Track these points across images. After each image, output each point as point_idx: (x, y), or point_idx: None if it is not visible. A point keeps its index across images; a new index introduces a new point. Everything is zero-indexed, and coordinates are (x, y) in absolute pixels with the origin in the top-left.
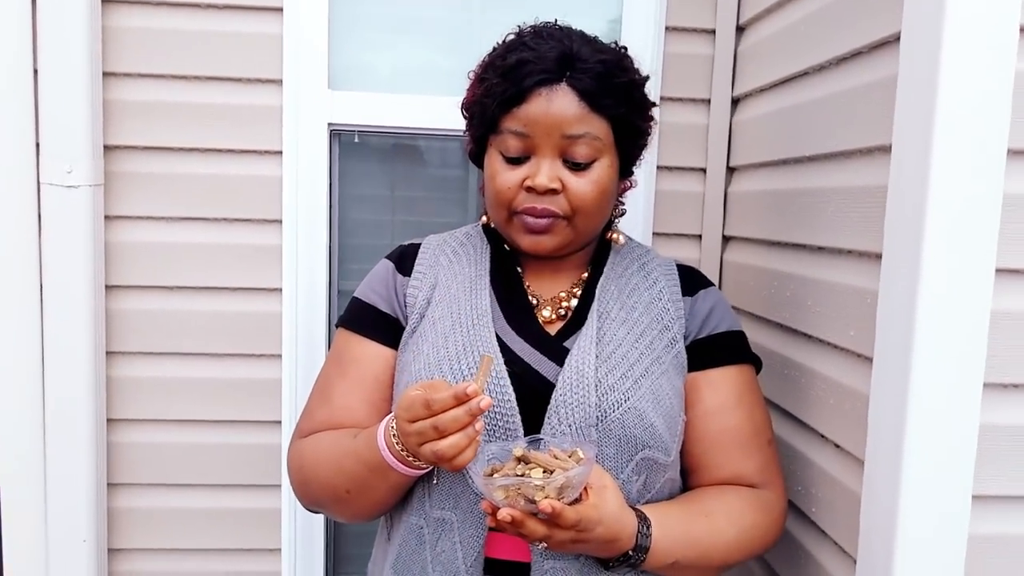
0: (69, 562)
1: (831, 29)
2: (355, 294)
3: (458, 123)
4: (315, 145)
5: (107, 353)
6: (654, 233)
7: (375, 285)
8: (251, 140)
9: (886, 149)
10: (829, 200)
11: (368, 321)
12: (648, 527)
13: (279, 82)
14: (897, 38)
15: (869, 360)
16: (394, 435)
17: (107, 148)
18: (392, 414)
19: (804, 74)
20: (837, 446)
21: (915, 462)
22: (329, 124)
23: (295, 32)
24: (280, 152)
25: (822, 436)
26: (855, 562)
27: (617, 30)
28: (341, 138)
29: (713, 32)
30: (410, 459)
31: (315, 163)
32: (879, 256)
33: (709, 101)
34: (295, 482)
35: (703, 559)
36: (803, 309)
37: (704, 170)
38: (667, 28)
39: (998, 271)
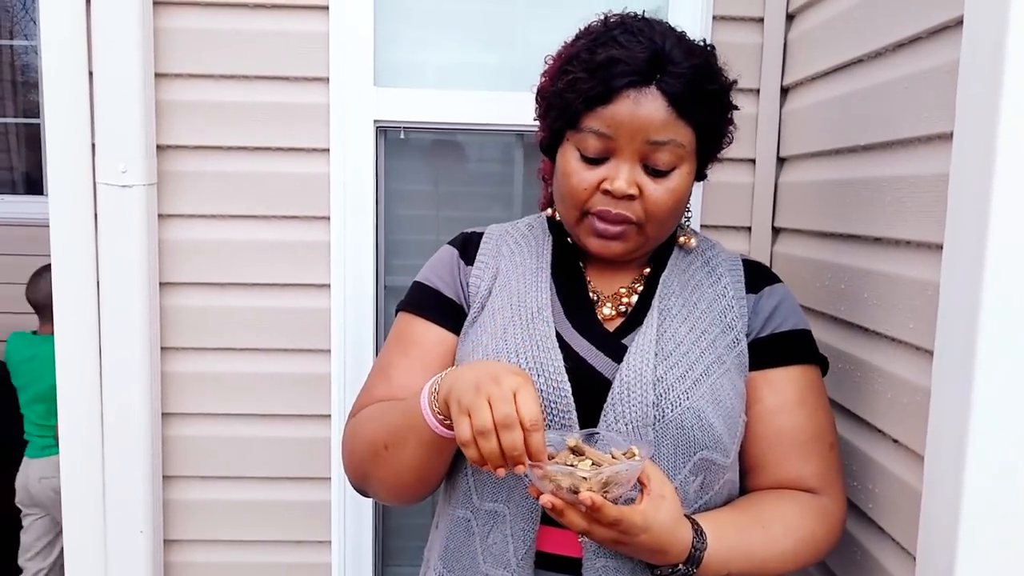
0: (127, 553)
1: (887, 15)
2: (417, 279)
3: (503, 118)
4: (362, 142)
5: (162, 349)
6: (703, 225)
7: (439, 271)
8: (299, 138)
9: (947, 137)
10: (886, 190)
11: (432, 305)
12: (703, 541)
13: (326, 80)
14: (959, 23)
15: (929, 353)
16: (436, 390)
17: (160, 148)
18: (446, 371)
19: (858, 61)
20: (895, 441)
21: (979, 457)
22: (375, 121)
23: (341, 30)
24: (327, 149)
25: (879, 431)
26: (915, 560)
27: (663, 19)
28: (387, 135)
29: (762, 20)
30: (439, 416)
31: (362, 160)
32: (940, 247)
33: (758, 91)
34: (346, 452)
35: (757, 570)
36: (859, 301)
37: (753, 161)
38: (715, 17)
39: None
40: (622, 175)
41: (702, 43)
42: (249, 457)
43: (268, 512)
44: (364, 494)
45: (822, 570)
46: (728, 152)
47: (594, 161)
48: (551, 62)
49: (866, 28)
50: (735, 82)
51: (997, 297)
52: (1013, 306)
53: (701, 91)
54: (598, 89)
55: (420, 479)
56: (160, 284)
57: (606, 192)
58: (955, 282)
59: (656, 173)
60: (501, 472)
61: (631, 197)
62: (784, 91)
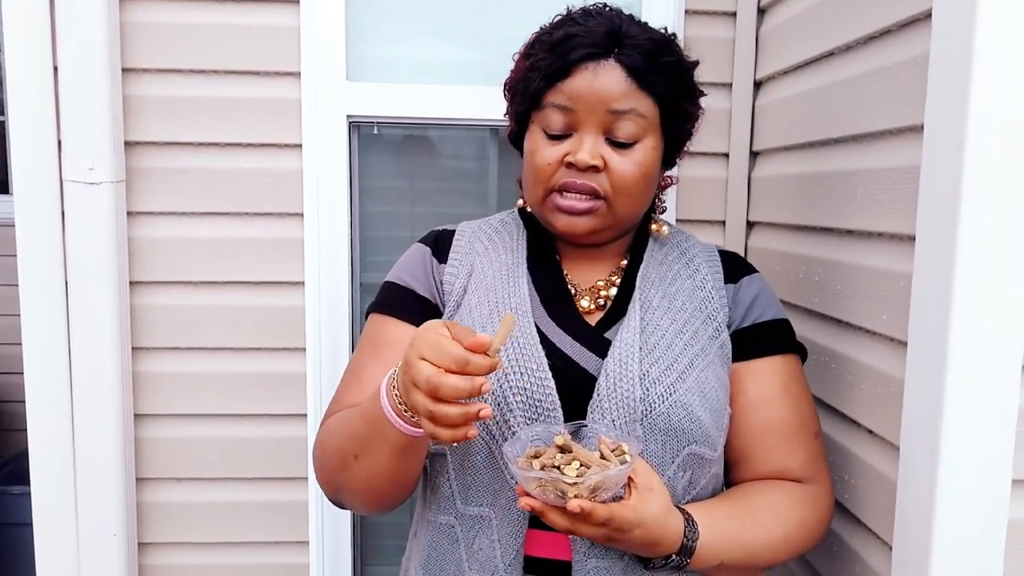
0: (100, 556)
1: (857, 8)
2: (388, 279)
3: (477, 113)
4: (334, 137)
5: (133, 349)
6: (677, 220)
7: (412, 269)
8: (271, 134)
9: (918, 129)
10: (859, 182)
11: (405, 304)
12: (695, 531)
13: (297, 75)
14: (928, 15)
15: (903, 344)
16: (395, 385)
17: (128, 144)
18: (392, 372)
19: (830, 55)
20: (871, 432)
21: (953, 447)
22: (348, 116)
23: (312, 24)
24: (300, 145)
25: (854, 422)
26: (891, 549)
27: (636, 14)
28: (360, 130)
29: (734, 15)
30: (406, 412)
31: (335, 155)
32: (912, 238)
33: (731, 85)
34: (317, 464)
35: (750, 559)
36: (832, 294)
37: (727, 155)
38: (687, 11)
39: None
40: (585, 147)
41: (663, 30)
42: (224, 458)
43: (244, 513)
44: (340, 505)
45: (800, 562)
46: (702, 147)
47: (558, 138)
48: (517, 56)
49: (836, 21)
50: (697, 63)
51: (969, 287)
52: (985, 296)
53: (659, 63)
54: (557, 64)
55: (395, 484)
56: (130, 283)
57: (570, 165)
58: (927, 273)
59: (620, 145)
60: (486, 412)
61: (595, 169)
62: (757, 85)
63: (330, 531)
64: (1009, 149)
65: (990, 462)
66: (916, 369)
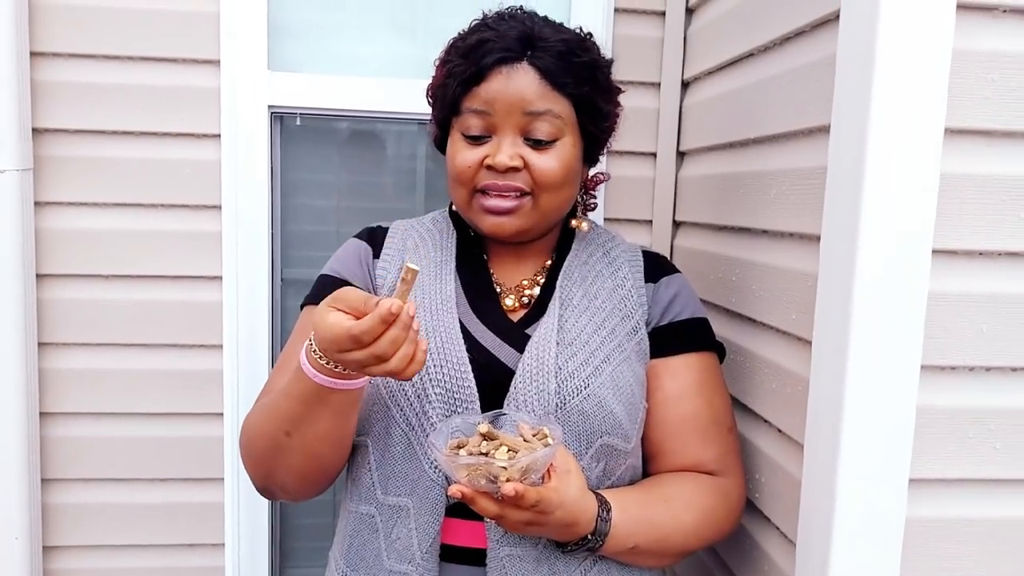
0: (1, 561)
1: (775, 8)
2: (323, 272)
3: (404, 106)
4: (255, 128)
5: (39, 344)
6: (605, 219)
7: (347, 263)
8: (188, 123)
9: (826, 129)
10: (772, 183)
11: None
12: (608, 511)
13: (216, 62)
14: (837, 16)
15: (809, 343)
16: (317, 355)
17: (36, 131)
18: (308, 342)
19: (750, 55)
20: (779, 431)
21: (852, 446)
22: (270, 106)
23: (233, 10)
24: (218, 135)
25: (765, 421)
26: (796, 547)
27: (566, 12)
28: (283, 121)
29: (663, 14)
30: (346, 372)
31: (255, 147)
32: (819, 238)
33: (659, 84)
34: (244, 453)
35: (661, 544)
36: (748, 293)
37: (654, 155)
38: (616, 10)
39: (935, 252)
40: (503, 149)
41: (578, 30)
42: (136, 458)
43: (157, 515)
44: (271, 495)
45: (714, 559)
46: (630, 146)
47: (477, 141)
48: (437, 62)
49: (756, 21)
50: (612, 61)
51: (868, 287)
52: (884, 296)
53: (572, 63)
54: (471, 70)
55: (334, 445)
56: (37, 276)
57: (490, 168)
58: (830, 273)
59: (538, 145)
60: (422, 351)
61: (515, 169)
62: (685, 85)
63: (246, 533)
64: (909, 150)
65: (888, 461)
66: (819, 368)
